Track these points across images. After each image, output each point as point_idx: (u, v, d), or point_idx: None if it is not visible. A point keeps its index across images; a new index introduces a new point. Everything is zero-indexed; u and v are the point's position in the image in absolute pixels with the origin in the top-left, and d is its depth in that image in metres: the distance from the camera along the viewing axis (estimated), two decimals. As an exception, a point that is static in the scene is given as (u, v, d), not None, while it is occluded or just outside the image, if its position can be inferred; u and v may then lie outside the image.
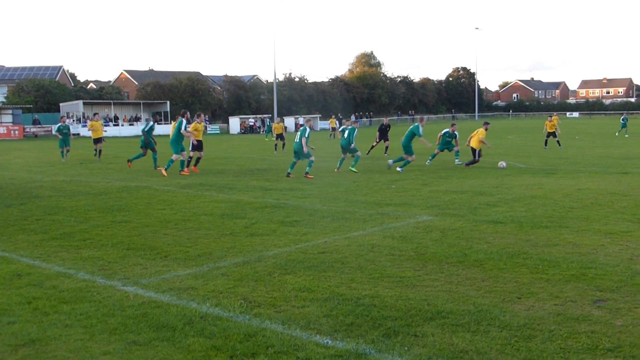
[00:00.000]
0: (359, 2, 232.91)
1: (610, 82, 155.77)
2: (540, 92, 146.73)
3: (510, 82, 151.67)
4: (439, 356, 4.61)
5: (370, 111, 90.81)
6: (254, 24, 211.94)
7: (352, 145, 18.97)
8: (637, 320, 5.31)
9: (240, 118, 67.20)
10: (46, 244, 8.67)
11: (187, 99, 72.87)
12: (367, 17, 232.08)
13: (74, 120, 56.72)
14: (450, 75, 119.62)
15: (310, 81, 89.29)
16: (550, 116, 29.94)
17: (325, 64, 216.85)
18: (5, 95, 69.43)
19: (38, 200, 13.05)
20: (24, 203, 12.70)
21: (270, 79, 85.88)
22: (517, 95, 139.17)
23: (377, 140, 26.26)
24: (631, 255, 7.59)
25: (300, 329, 5.20)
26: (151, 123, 21.75)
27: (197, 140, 19.37)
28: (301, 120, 60.75)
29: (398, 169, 18.74)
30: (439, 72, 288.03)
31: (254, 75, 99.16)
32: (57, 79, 74.76)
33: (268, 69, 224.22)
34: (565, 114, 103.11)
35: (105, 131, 33.61)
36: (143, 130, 21.51)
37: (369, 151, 25.89)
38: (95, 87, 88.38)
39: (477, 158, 20.06)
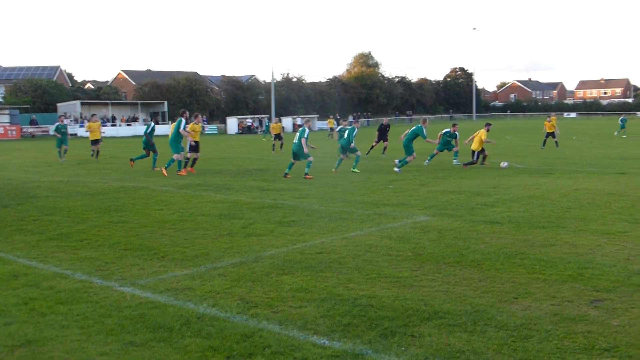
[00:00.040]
0: (357, 3, 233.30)
1: (608, 83, 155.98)
2: (537, 92, 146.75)
3: (508, 83, 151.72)
4: (435, 356, 4.61)
5: (368, 111, 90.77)
6: (251, 24, 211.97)
7: (352, 144, 19.00)
8: (634, 321, 5.33)
9: (238, 118, 67.12)
10: (43, 244, 8.66)
11: (184, 99, 72.78)
12: (364, 17, 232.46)
13: (71, 121, 56.60)
14: (448, 76, 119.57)
15: (308, 81, 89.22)
16: (549, 117, 30.00)
17: (323, 64, 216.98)
18: (3, 95, 69.23)
19: (35, 201, 13.03)
20: (21, 203, 12.67)
21: (268, 79, 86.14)
22: (514, 96, 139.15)
23: (377, 140, 26.28)
24: (628, 256, 7.61)
25: (297, 329, 5.20)
26: (152, 124, 21.79)
27: (194, 141, 19.37)
28: (299, 121, 60.88)
29: (395, 169, 18.75)
30: (437, 73, 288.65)
31: (252, 76, 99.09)
32: (54, 79, 74.70)
33: (266, 69, 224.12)
34: (563, 114, 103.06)
35: (103, 132, 33.46)
36: (145, 132, 21.60)
37: (369, 151, 25.92)
38: (92, 87, 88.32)
39: (475, 159, 20.09)
